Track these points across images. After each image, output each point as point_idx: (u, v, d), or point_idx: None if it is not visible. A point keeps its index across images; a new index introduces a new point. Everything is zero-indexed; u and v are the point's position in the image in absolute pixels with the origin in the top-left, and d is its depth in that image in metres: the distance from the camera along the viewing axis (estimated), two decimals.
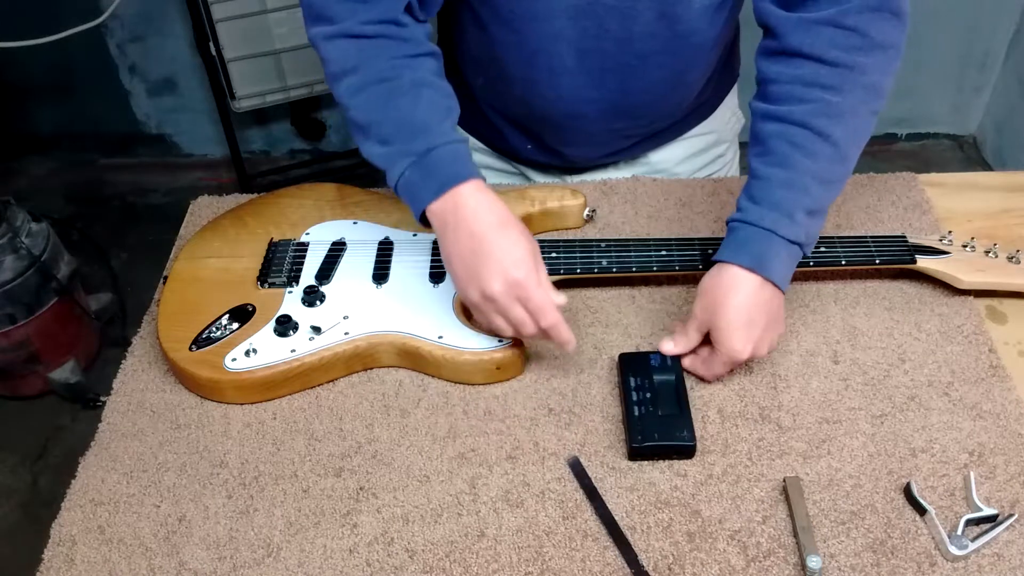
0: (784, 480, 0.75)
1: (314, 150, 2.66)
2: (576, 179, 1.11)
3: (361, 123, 0.81)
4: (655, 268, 0.89)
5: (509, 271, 0.75)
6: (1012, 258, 0.89)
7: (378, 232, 0.95)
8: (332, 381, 0.85)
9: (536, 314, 0.77)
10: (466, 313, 0.87)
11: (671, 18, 0.88)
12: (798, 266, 0.88)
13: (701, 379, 0.83)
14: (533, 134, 1.06)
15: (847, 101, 0.79)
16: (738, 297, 0.78)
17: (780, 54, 0.81)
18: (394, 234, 0.94)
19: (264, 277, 0.89)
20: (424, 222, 0.80)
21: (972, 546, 0.69)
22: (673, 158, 1.10)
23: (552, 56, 0.92)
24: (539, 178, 1.13)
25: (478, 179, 0.78)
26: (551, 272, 0.88)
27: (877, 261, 0.89)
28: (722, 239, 0.90)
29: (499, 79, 0.99)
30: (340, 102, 0.83)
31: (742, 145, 1.01)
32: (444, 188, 0.77)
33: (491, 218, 0.77)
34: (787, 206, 0.78)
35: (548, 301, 0.77)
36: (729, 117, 1.14)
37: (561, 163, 1.09)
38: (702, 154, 1.12)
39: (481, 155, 1.14)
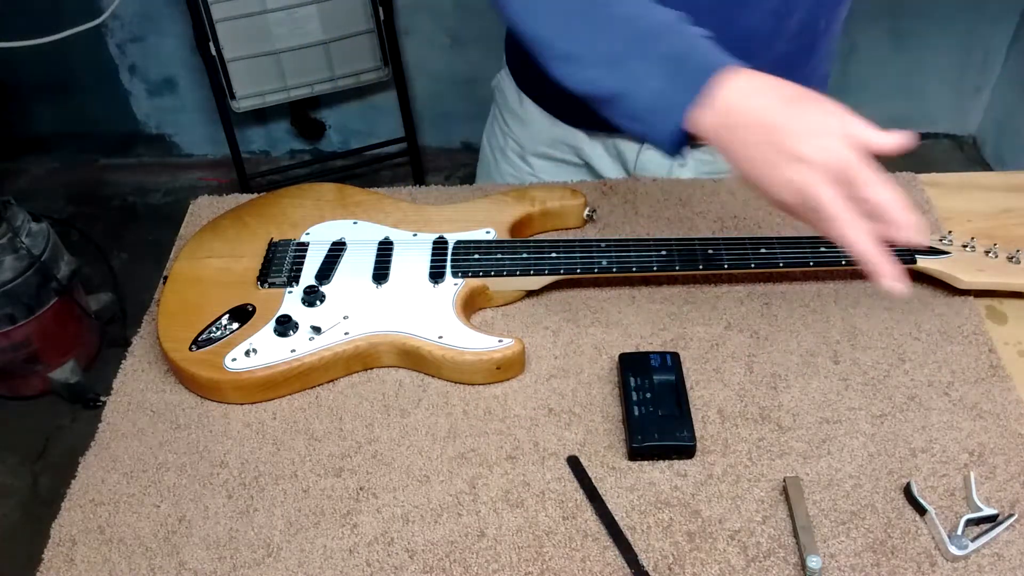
0: (784, 480, 0.75)
1: (314, 150, 2.66)
2: (635, 156, 1.08)
3: (568, 48, 0.70)
4: (655, 268, 0.89)
5: (826, 120, 0.62)
6: (1012, 258, 0.89)
7: (378, 232, 0.95)
8: (332, 381, 0.85)
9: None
10: (466, 313, 0.87)
11: None
12: (799, 267, 0.89)
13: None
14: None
15: None
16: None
17: None
18: (394, 234, 0.95)
19: (264, 277, 0.89)
20: (676, 146, 0.69)
21: (972, 546, 0.69)
22: None
23: None
24: (600, 164, 1.10)
25: (737, 65, 0.67)
26: (551, 272, 0.89)
27: None
28: (722, 239, 0.90)
29: None
30: (532, 34, 0.73)
31: None
32: (699, 85, 0.65)
33: (774, 99, 0.64)
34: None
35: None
36: None
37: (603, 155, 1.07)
38: None
39: (545, 146, 1.11)
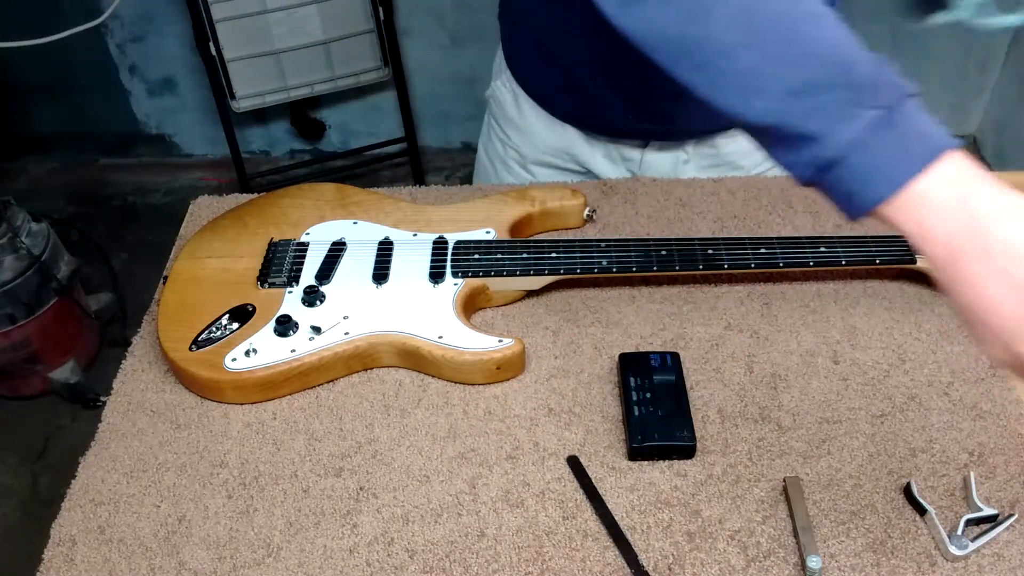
0: (784, 480, 0.75)
1: (314, 150, 2.66)
2: (639, 157, 1.08)
3: (746, 66, 0.56)
4: (655, 268, 0.89)
5: None
6: None
7: (378, 232, 0.95)
8: (332, 381, 0.85)
9: None
10: (466, 313, 0.87)
11: None
12: (799, 267, 0.89)
13: None
14: (633, 96, 0.98)
15: None
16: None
17: None
18: (394, 234, 0.94)
19: (264, 277, 0.89)
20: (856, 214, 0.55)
21: (972, 546, 0.69)
22: (744, 148, 1.08)
23: None
24: (601, 168, 1.10)
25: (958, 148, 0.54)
26: (551, 272, 0.89)
27: (877, 261, 0.89)
28: (722, 239, 0.90)
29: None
30: (697, 37, 0.59)
31: None
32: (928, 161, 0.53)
33: None
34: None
35: None
36: None
37: (664, 129, 1.05)
38: None
39: (546, 154, 1.11)
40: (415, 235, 0.94)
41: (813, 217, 1.00)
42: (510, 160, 1.17)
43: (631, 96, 1.00)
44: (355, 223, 0.96)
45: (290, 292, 0.88)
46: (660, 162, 1.09)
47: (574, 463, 0.77)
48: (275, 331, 0.84)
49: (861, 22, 2.24)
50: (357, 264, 0.91)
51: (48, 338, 1.88)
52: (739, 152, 1.09)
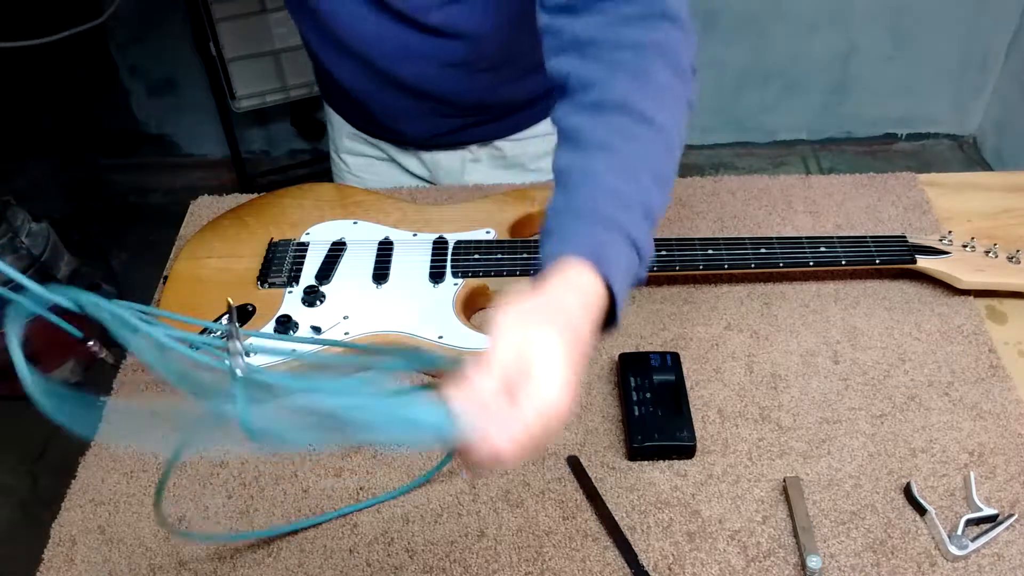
0: (784, 480, 0.75)
1: (314, 150, 2.66)
2: (427, 155, 1.13)
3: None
4: (655, 268, 0.89)
5: None
6: (1012, 258, 0.89)
7: (378, 232, 0.95)
8: None
9: None
10: (466, 313, 0.87)
11: None
12: (799, 267, 0.89)
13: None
14: (360, 109, 1.09)
15: (665, 89, 0.66)
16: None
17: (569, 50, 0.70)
18: (394, 234, 0.94)
19: (264, 277, 0.89)
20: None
21: (972, 546, 0.69)
22: (529, 152, 1.12)
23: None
24: (399, 157, 1.16)
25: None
26: None
27: (877, 261, 0.89)
28: (722, 239, 0.90)
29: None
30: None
31: None
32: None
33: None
34: (621, 194, 0.62)
35: None
36: None
37: (396, 139, 1.12)
38: None
39: (349, 140, 1.17)
40: (415, 235, 0.94)
41: (813, 217, 1.00)
42: (331, 152, 1.22)
43: (403, 123, 1.08)
44: (355, 223, 0.96)
45: (290, 292, 0.88)
46: (448, 160, 1.13)
47: (574, 463, 0.77)
48: (275, 331, 0.84)
49: (861, 22, 2.26)
50: (357, 264, 0.91)
51: (48, 338, 1.88)
52: (526, 155, 1.12)
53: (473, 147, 1.12)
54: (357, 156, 1.18)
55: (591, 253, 0.58)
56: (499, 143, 1.12)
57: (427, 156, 1.14)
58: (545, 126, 1.10)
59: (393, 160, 1.16)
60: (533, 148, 1.12)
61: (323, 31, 0.96)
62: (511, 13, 0.90)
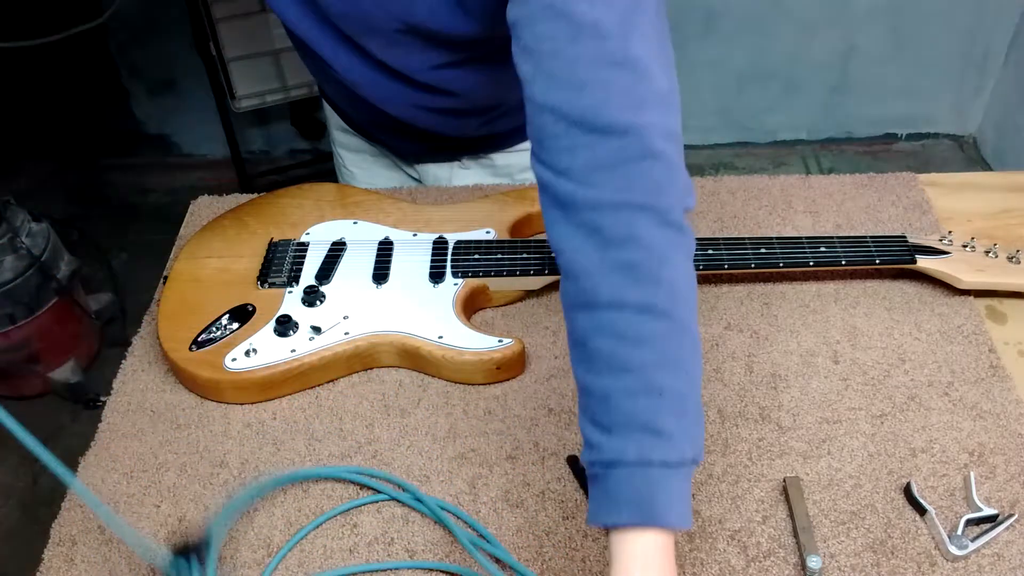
0: (784, 480, 0.75)
1: (314, 150, 2.66)
2: (428, 165, 1.13)
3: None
4: None
5: None
6: (1012, 258, 0.89)
7: (378, 232, 0.95)
8: (332, 381, 0.85)
9: None
10: (466, 313, 0.87)
11: None
12: (799, 267, 0.89)
13: None
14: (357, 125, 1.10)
15: (656, 250, 0.60)
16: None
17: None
18: (394, 234, 0.94)
19: (264, 277, 0.89)
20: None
21: (972, 546, 0.69)
22: (519, 164, 1.12)
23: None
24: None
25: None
26: (551, 272, 0.89)
27: (877, 261, 0.89)
28: (722, 239, 0.90)
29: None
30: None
31: None
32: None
33: None
34: (644, 418, 0.58)
35: None
36: None
37: (388, 153, 1.14)
38: None
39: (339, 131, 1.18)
40: (415, 235, 0.94)
41: (813, 217, 1.00)
42: (331, 143, 1.23)
43: (399, 137, 1.09)
44: (355, 223, 0.96)
45: (290, 292, 0.88)
46: (437, 169, 1.13)
47: (574, 463, 0.77)
48: (275, 331, 0.84)
49: (861, 22, 2.26)
50: (357, 264, 0.91)
51: (48, 338, 1.88)
52: (515, 167, 1.12)
53: (464, 158, 1.13)
54: (351, 152, 1.19)
55: (640, 514, 0.57)
56: (492, 154, 1.12)
57: (417, 166, 1.15)
58: None
59: (386, 157, 1.17)
60: (524, 161, 1.12)
61: (314, 60, 0.96)
62: (499, 75, 0.90)
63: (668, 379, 0.58)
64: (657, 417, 0.57)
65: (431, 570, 0.71)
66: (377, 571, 0.71)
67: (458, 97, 0.95)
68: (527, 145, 1.11)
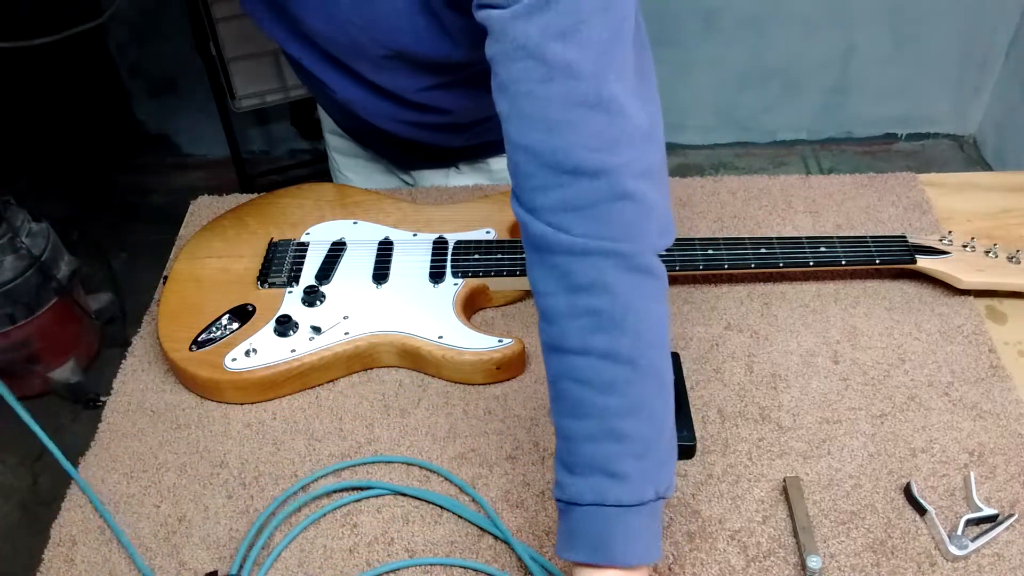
0: (784, 480, 0.75)
1: (314, 150, 2.66)
2: (416, 172, 1.14)
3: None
4: None
5: None
6: (1012, 258, 0.89)
7: (378, 232, 0.95)
8: (332, 381, 0.85)
9: None
10: (466, 313, 0.87)
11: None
12: (799, 267, 0.89)
13: None
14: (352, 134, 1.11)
15: (621, 296, 0.61)
16: None
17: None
18: (394, 234, 0.94)
19: (264, 277, 0.89)
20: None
21: (972, 546, 0.69)
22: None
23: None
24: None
25: None
26: None
27: (877, 261, 0.89)
28: (722, 239, 0.91)
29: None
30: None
31: None
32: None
33: None
34: (602, 462, 0.60)
35: None
36: None
37: (377, 160, 1.14)
38: None
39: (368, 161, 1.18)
40: (415, 235, 0.94)
41: (813, 217, 1.00)
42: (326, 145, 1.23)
43: (398, 147, 1.09)
44: (355, 223, 0.96)
45: (290, 292, 0.88)
46: (432, 175, 1.13)
47: None
48: (275, 331, 0.84)
49: (861, 22, 2.26)
50: (357, 264, 0.91)
51: (48, 338, 1.88)
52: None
53: (460, 163, 1.13)
54: (346, 156, 1.19)
55: (596, 553, 0.60)
56: (489, 159, 1.12)
57: (412, 172, 1.15)
58: None
59: (380, 162, 1.18)
60: None
61: (308, 77, 0.97)
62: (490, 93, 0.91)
63: (629, 425, 0.61)
64: (616, 461, 0.60)
65: (463, 567, 0.71)
66: (411, 566, 0.70)
67: (451, 114, 0.96)
68: None
